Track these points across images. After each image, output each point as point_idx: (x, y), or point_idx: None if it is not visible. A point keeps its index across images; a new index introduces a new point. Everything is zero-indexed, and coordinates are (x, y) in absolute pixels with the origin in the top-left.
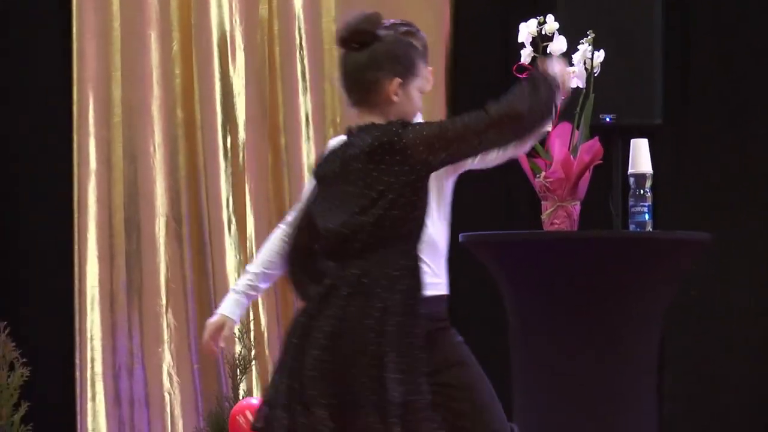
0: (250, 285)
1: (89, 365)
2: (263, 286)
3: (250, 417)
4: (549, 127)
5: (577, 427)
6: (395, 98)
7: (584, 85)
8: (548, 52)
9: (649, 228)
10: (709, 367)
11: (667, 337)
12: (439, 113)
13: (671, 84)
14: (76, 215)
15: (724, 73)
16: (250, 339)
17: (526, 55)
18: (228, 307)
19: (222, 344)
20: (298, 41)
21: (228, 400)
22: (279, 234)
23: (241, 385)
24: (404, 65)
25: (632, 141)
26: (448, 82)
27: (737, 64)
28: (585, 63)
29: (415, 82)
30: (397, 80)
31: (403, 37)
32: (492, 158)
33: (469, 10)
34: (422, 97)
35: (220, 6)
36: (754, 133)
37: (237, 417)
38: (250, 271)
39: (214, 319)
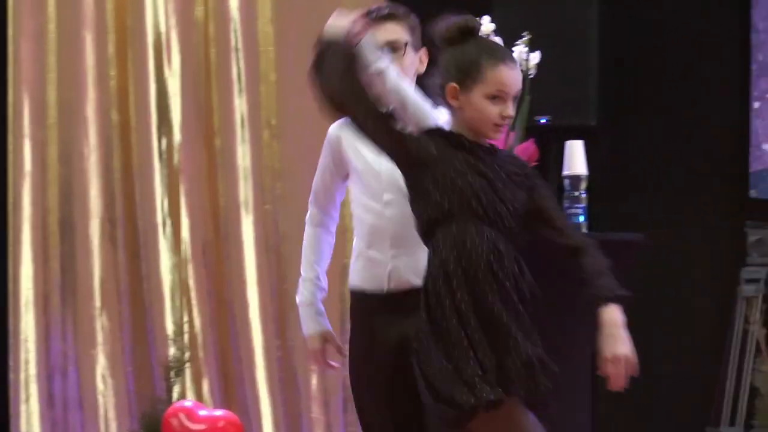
0: (317, 287)
1: (23, 367)
2: (324, 284)
3: (184, 419)
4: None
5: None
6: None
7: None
8: None
9: (584, 229)
10: (643, 368)
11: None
12: None
13: (606, 85)
14: (10, 217)
15: (658, 74)
16: (183, 341)
17: None
18: (312, 323)
19: (336, 359)
20: (233, 43)
21: (162, 403)
22: (319, 233)
23: (175, 387)
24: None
25: (567, 143)
26: None
27: (671, 66)
28: (520, 64)
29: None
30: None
31: None
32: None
33: (409, 5)
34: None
35: (155, 7)
36: (688, 133)
37: (170, 419)
38: (307, 278)
39: (313, 344)
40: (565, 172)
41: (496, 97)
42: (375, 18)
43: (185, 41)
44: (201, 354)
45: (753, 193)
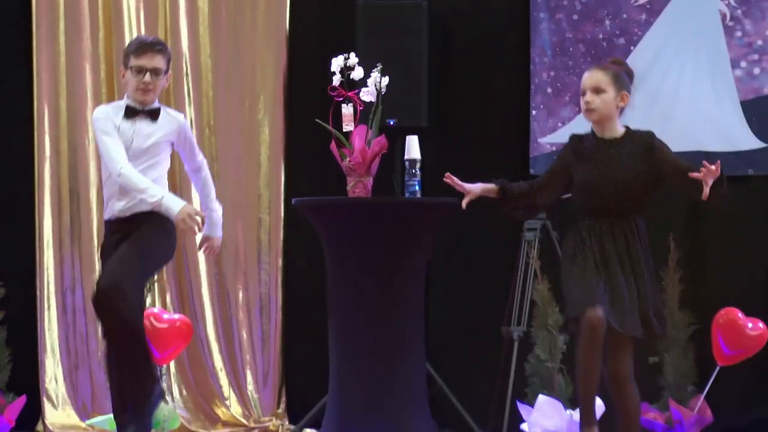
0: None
1: (45, 287)
2: None
3: (153, 321)
4: None
5: (366, 330)
6: None
7: (375, 100)
8: (351, 77)
9: (419, 195)
10: (459, 288)
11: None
12: (279, 121)
13: (434, 97)
14: (36, 186)
15: (468, 90)
16: None
17: (336, 80)
18: (177, 200)
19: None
20: (185, 70)
21: None
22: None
23: (147, 299)
24: None
25: (407, 137)
26: (286, 96)
27: (477, 85)
28: (376, 85)
29: None
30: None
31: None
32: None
33: (299, 47)
34: (263, 109)
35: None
36: (489, 130)
37: (144, 321)
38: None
39: (187, 209)
40: (406, 157)
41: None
42: (145, 46)
43: None
44: (165, 277)
45: (532, 171)
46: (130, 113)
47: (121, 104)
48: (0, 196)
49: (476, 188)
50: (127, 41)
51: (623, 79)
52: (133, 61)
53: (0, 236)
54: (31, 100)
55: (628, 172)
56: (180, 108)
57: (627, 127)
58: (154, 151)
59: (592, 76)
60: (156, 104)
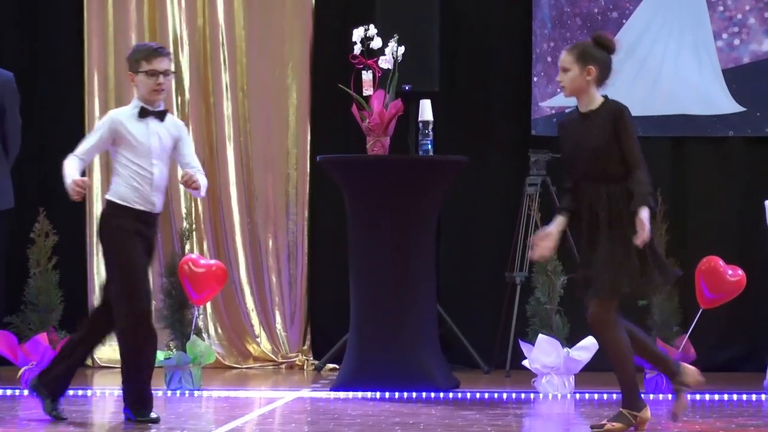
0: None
1: (94, 234)
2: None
3: (191, 265)
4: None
5: (382, 274)
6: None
7: (392, 67)
8: (370, 47)
9: (431, 153)
10: (469, 236)
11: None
12: (305, 86)
13: (445, 64)
14: None
15: (476, 59)
16: (191, 218)
17: (357, 49)
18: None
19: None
20: (220, 39)
21: (178, 255)
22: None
23: (186, 246)
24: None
25: (421, 101)
26: (312, 63)
27: (485, 54)
28: (393, 54)
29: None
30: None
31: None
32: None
33: (324, 19)
34: (291, 75)
35: (173, 18)
36: (495, 94)
37: (183, 266)
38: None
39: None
40: (420, 119)
41: None
42: (155, 51)
43: (192, 38)
44: (202, 227)
45: (533, 132)
46: (144, 114)
47: (130, 109)
48: (53, 153)
49: (555, 232)
50: (169, 13)
51: (590, 53)
52: (146, 66)
53: (54, 191)
54: (82, 65)
55: (594, 141)
56: (216, 74)
57: (605, 98)
58: (169, 149)
59: (561, 58)
60: (162, 105)
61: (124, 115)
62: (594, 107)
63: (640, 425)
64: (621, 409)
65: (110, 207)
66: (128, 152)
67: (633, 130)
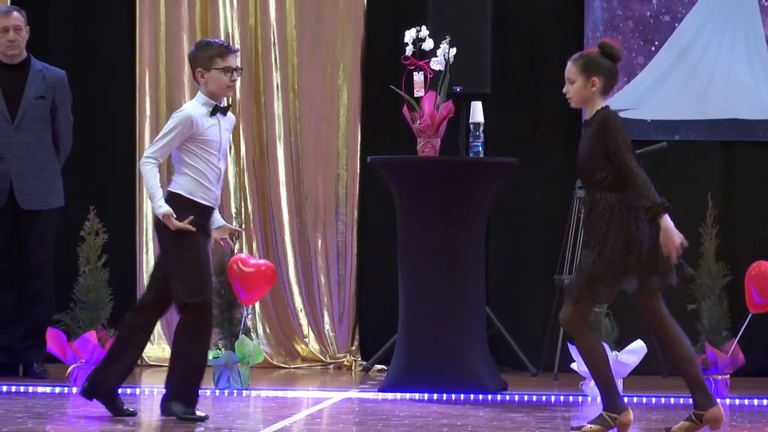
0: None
1: (144, 233)
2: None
3: (241, 265)
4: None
5: (431, 276)
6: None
7: (443, 68)
8: (422, 48)
9: (482, 155)
10: (519, 237)
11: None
12: (356, 86)
13: (497, 66)
14: (137, 140)
15: (532, 58)
16: (241, 218)
17: (409, 50)
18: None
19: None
20: (272, 39)
21: (227, 255)
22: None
23: (235, 245)
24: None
25: (472, 102)
26: (363, 64)
27: (541, 53)
28: (444, 55)
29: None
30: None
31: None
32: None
33: (375, 20)
34: (343, 75)
35: (225, 17)
36: (548, 100)
37: (232, 265)
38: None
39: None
40: (471, 121)
41: None
42: (228, 48)
43: (243, 38)
44: (252, 226)
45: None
46: (215, 111)
47: (200, 106)
48: (104, 153)
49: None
50: (221, 13)
51: (594, 64)
52: (221, 63)
53: (105, 190)
54: (134, 65)
55: (583, 148)
56: (267, 74)
57: (603, 107)
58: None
59: (566, 69)
60: (224, 101)
61: (198, 112)
62: (590, 116)
63: (622, 428)
64: (601, 412)
65: (176, 200)
66: (199, 148)
67: (622, 137)
